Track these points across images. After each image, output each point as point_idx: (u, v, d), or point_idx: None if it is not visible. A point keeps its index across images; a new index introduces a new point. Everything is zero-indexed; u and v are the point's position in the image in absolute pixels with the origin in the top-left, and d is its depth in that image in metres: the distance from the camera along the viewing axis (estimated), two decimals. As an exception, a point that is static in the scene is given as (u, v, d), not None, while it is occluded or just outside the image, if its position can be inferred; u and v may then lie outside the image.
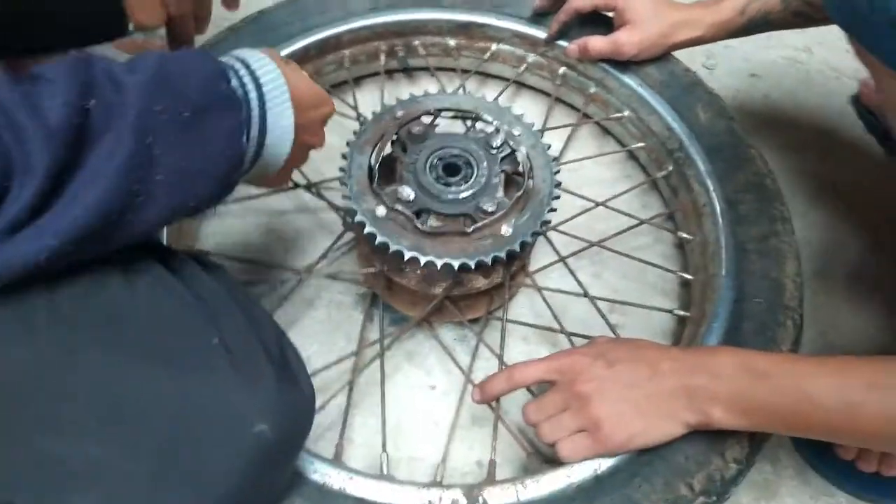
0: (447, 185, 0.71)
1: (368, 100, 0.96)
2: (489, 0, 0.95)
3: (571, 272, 0.80)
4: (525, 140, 0.75)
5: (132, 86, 0.41)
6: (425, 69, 0.98)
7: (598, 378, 0.61)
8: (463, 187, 0.71)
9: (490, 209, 0.69)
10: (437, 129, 0.77)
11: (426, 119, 0.77)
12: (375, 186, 0.70)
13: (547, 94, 0.97)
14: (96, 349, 0.41)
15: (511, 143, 0.74)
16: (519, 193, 0.71)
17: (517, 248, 0.68)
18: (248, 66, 0.50)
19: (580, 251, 0.83)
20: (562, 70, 0.94)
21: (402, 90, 0.97)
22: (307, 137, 0.58)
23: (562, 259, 0.81)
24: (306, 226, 0.87)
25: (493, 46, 0.95)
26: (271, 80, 0.50)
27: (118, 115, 0.40)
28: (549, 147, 0.76)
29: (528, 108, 0.99)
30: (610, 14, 0.89)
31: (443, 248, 0.68)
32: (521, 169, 0.73)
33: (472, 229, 0.68)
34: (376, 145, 0.73)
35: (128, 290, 0.44)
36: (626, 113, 0.91)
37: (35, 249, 0.37)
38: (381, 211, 0.69)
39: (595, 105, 0.94)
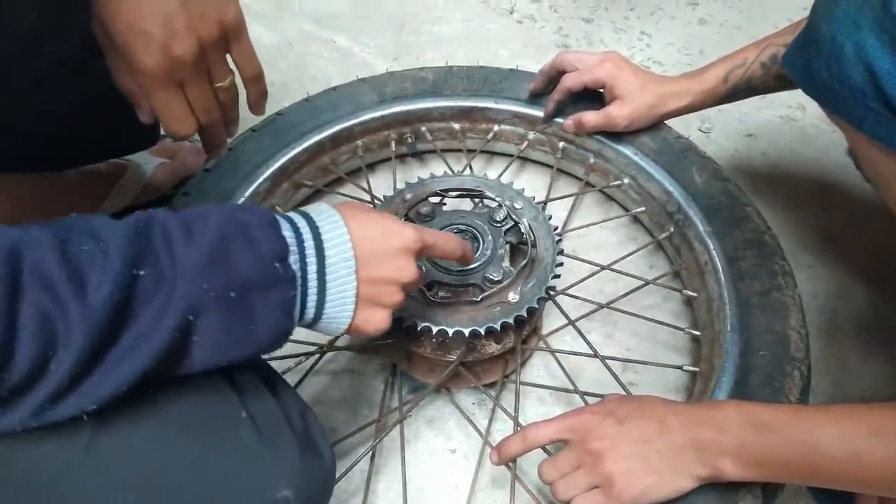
0: (455, 258, 0.76)
1: (382, 183, 1.03)
2: (488, 86, 1.02)
3: (581, 335, 0.83)
4: (526, 213, 0.81)
5: (186, 261, 0.42)
6: (433, 152, 1.05)
7: (609, 435, 0.64)
8: (471, 260, 0.76)
9: (496, 278, 0.74)
10: (445, 208, 0.83)
11: (434, 199, 0.82)
12: (388, 264, 0.76)
13: (550, 167, 1.03)
14: (129, 424, 0.45)
15: (513, 216, 0.79)
16: (524, 262, 0.75)
17: (524, 313, 0.72)
18: (315, 231, 0.50)
19: (590, 313, 0.86)
20: (561, 144, 1.00)
21: (413, 172, 1.04)
22: (391, 272, 0.54)
23: (571, 322, 0.84)
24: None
25: (496, 127, 1.02)
26: (337, 252, 0.50)
27: (167, 287, 0.41)
28: (551, 217, 0.81)
29: (534, 181, 1.06)
30: (601, 90, 0.95)
31: (454, 317, 0.72)
32: (524, 239, 0.78)
33: (480, 298, 0.72)
34: (388, 226, 0.79)
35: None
36: (626, 180, 0.96)
37: (75, 412, 0.41)
38: (394, 286, 0.73)
39: (595, 174, 0.99)
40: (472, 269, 0.75)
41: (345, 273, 0.50)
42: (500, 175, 0.98)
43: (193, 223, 0.44)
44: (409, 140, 1.02)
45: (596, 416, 0.65)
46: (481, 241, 0.77)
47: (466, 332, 0.71)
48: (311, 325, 0.52)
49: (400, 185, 0.85)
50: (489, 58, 1.24)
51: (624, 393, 0.77)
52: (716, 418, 0.62)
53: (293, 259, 0.48)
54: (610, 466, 0.62)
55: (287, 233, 0.48)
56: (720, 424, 0.61)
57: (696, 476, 0.62)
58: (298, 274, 0.48)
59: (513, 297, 0.73)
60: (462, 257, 0.67)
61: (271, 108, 1.03)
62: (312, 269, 0.49)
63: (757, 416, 0.61)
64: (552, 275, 0.75)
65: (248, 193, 0.91)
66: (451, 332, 0.71)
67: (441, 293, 0.75)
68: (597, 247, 0.97)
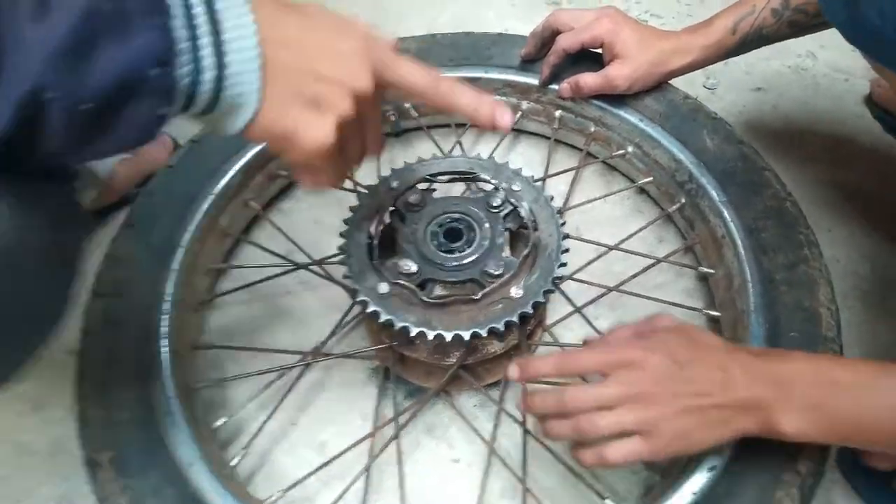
0: (450, 251, 0.68)
1: (364, 168, 0.94)
2: (476, 54, 0.93)
3: (590, 323, 0.76)
4: (526, 195, 0.73)
5: (37, 47, 0.34)
6: (419, 129, 0.96)
7: (668, 378, 0.55)
8: (466, 252, 0.68)
9: (497, 272, 0.66)
10: (436, 194, 0.75)
11: (422, 186, 0.75)
12: (376, 262, 0.68)
13: (546, 139, 0.95)
14: None
15: (512, 200, 0.72)
16: (526, 252, 0.68)
17: (529, 309, 0.65)
18: (215, 24, 0.40)
19: (597, 298, 0.79)
20: (558, 113, 0.92)
21: (398, 154, 0.96)
22: (336, 70, 0.45)
23: (577, 310, 0.77)
24: (313, 305, 0.85)
25: (486, 98, 0.94)
26: (239, 47, 0.41)
27: (14, 66, 0.33)
28: (553, 199, 0.73)
29: (530, 155, 0.97)
30: (599, 51, 0.87)
31: (451, 318, 0.65)
32: (525, 224, 0.70)
33: (480, 295, 0.65)
34: (373, 220, 0.71)
35: None
36: (630, 149, 0.88)
37: None
38: (383, 287, 0.66)
39: (597, 144, 0.91)
40: (468, 263, 0.67)
41: (246, 73, 0.41)
42: (493, 151, 0.90)
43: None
44: (393, 118, 0.94)
45: (654, 357, 0.56)
46: (478, 231, 0.70)
47: (466, 335, 0.64)
48: (206, 111, 0.43)
49: (384, 172, 0.77)
50: (476, 21, 1.15)
51: (668, 323, 0.62)
52: (783, 373, 0.55)
53: (183, 59, 0.38)
54: (664, 422, 0.54)
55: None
56: (789, 380, 0.54)
57: (744, 430, 0.55)
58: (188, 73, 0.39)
59: (516, 291, 0.66)
60: (426, 94, 0.52)
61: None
62: (210, 69, 0.40)
63: (830, 372, 0.54)
64: (558, 263, 0.68)
65: (218, 188, 0.83)
66: (448, 336, 0.63)
67: (436, 291, 0.68)
68: (601, 223, 0.90)
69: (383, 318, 0.65)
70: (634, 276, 0.79)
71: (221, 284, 0.85)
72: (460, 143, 0.90)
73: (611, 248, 0.81)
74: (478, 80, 0.92)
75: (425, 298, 0.65)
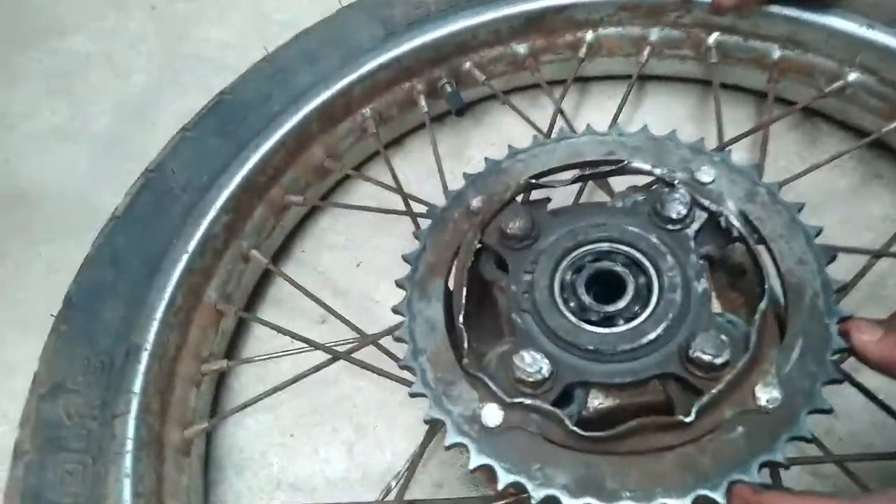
0: (609, 321, 0.35)
1: (419, 173, 0.61)
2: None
3: (867, 393, 0.42)
4: (728, 187, 0.39)
5: None
6: (493, 98, 0.63)
7: None
8: (641, 320, 0.35)
9: (718, 357, 0.32)
10: (552, 205, 0.42)
11: (521, 198, 0.42)
12: (467, 361, 0.36)
13: (702, 83, 0.60)
14: None
15: (704, 200, 0.38)
16: (763, 304, 0.34)
17: (806, 432, 0.31)
18: None
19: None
20: (713, 38, 0.57)
21: (468, 143, 0.63)
22: None
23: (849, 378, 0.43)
24: (371, 401, 0.53)
25: (589, 35, 0.60)
26: None
27: None
28: (780, 188, 0.39)
29: (671, 110, 0.64)
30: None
31: (639, 469, 0.32)
32: (742, 242, 0.37)
33: (694, 413, 0.32)
34: (448, 273, 0.39)
35: None
36: (852, 77, 0.53)
37: None
38: (492, 415, 0.34)
39: (789, 80, 0.56)
40: (649, 341, 0.34)
41: None
42: (618, 115, 0.56)
43: None
44: (448, 88, 0.60)
45: None
46: (653, 272, 0.36)
47: (686, 503, 0.30)
48: None
49: (452, 178, 0.45)
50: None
51: None
52: None
53: None
54: None
55: None
56: None
57: None
58: None
59: (765, 393, 0.32)
60: None
61: (217, 82, 0.63)
62: None
63: None
64: (836, 318, 0.34)
65: (195, 240, 0.52)
66: (649, 513, 0.31)
67: (594, 403, 0.35)
68: (820, 206, 0.55)
69: (505, 479, 0.32)
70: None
71: (228, 393, 0.55)
72: (562, 113, 0.56)
73: (877, 255, 0.45)
74: (574, 8, 0.58)
75: (580, 430, 0.32)
